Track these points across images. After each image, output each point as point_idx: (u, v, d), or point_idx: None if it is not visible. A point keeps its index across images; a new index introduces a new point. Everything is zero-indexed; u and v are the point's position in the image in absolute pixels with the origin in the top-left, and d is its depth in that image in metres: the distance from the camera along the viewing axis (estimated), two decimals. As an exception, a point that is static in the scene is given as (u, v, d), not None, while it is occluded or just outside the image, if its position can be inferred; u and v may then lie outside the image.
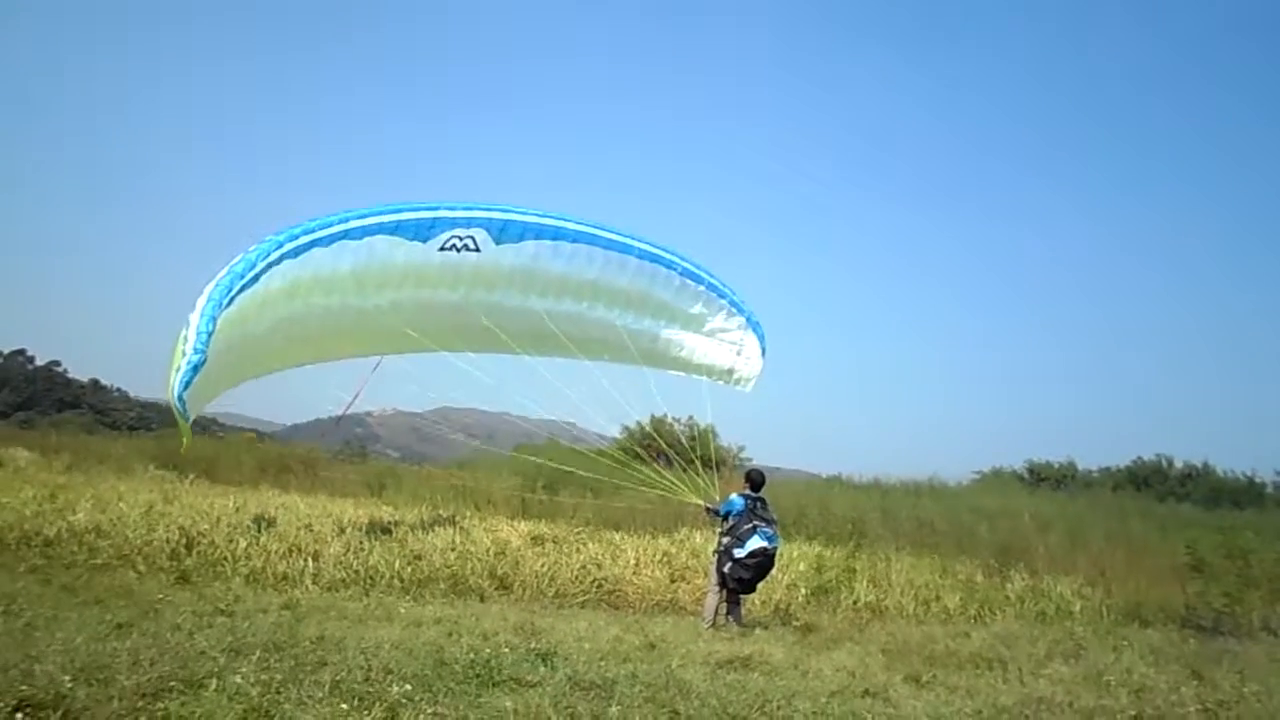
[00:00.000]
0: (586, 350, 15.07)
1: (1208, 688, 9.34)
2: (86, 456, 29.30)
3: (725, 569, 12.61)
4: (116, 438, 47.97)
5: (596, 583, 15.02)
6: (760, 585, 13.29)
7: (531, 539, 17.63)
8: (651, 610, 14.30)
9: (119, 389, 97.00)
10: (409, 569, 14.07)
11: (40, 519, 14.50)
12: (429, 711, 6.55)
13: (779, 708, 7.58)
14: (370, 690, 6.88)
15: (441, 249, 13.58)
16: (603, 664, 8.60)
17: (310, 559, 13.89)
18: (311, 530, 15.63)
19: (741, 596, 13.15)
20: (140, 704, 6.12)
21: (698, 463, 14.45)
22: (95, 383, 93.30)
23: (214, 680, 6.68)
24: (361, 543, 14.97)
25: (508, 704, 6.95)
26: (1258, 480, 38.92)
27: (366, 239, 13.12)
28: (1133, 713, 8.16)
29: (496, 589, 14.23)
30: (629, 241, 14.94)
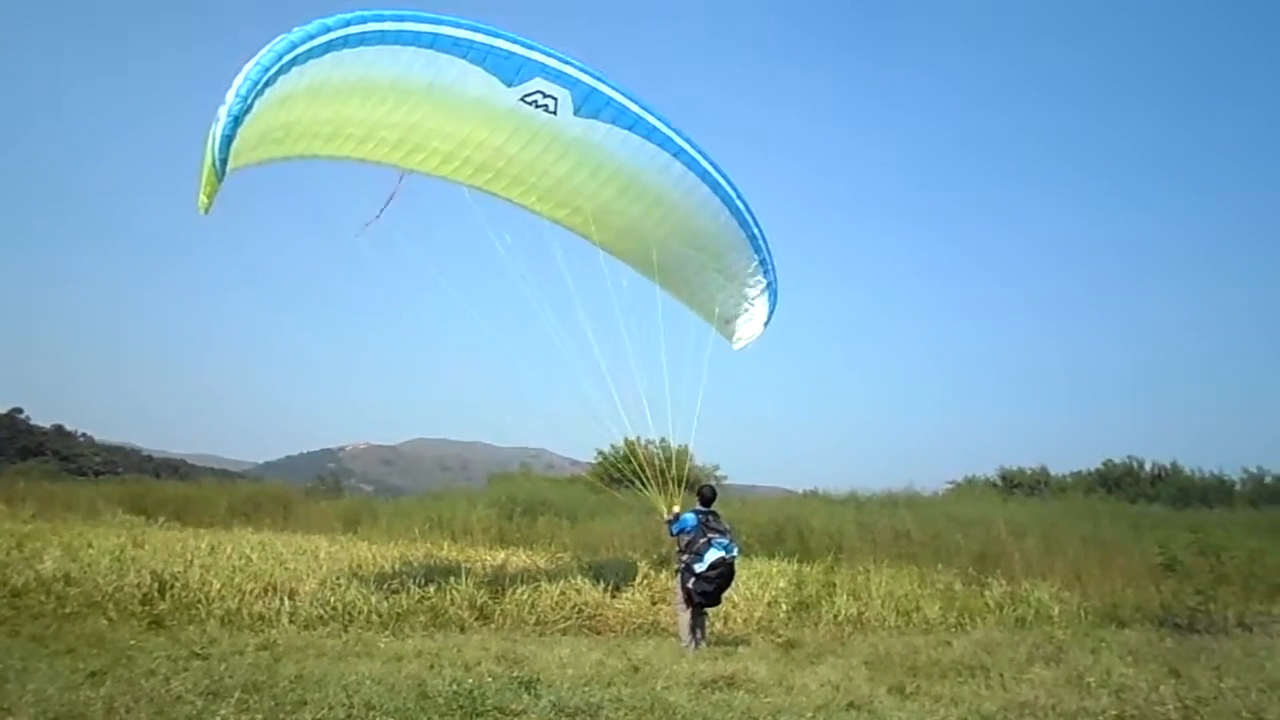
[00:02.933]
0: (605, 238, 14.60)
1: (1186, 685, 9.43)
2: (52, 504, 28.79)
3: (689, 585, 12.69)
4: (83, 484, 47.20)
5: (577, 608, 14.94)
6: (737, 599, 13.38)
7: (510, 568, 17.52)
8: (633, 633, 14.25)
9: (84, 434, 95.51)
10: (387, 603, 13.92)
11: (7, 569, 14.17)
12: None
13: (765, 725, 7.58)
14: (352, 727, 6.80)
15: (522, 99, 12.75)
16: (587, 689, 8.54)
17: (286, 597, 13.69)
18: (287, 568, 15.44)
19: (707, 613, 13.24)
20: (117, 752, 6.01)
21: (672, 484, 14.42)
22: (59, 429, 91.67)
23: (192, 724, 6.58)
24: (338, 579, 14.80)
25: (492, 734, 6.90)
26: (1226, 479, 39.56)
27: (454, 57, 12.14)
28: (1114, 713, 8.23)
29: (477, 619, 14.12)
30: (695, 156, 14.30)
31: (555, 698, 8.02)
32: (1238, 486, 39.13)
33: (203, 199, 10.61)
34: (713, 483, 19.83)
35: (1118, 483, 41.12)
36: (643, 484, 14.48)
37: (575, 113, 13.22)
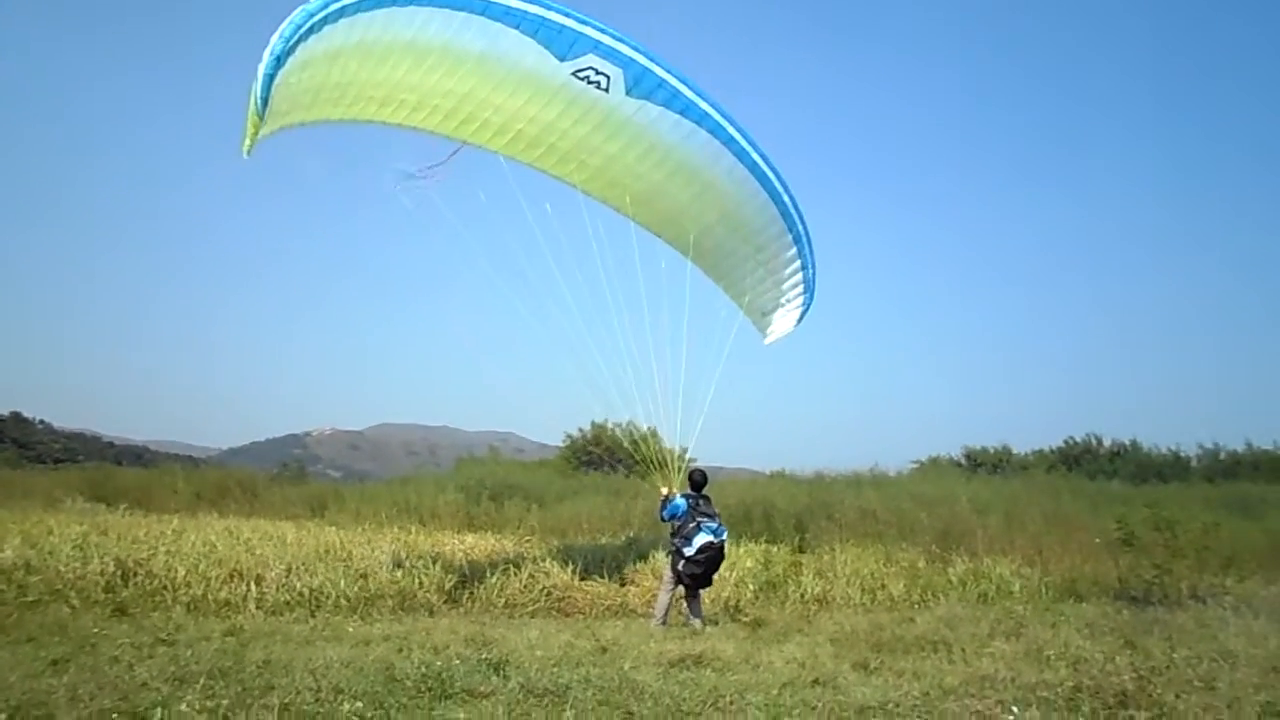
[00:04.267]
0: (648, 219, 14.58)
1: (1141, 656, 9.64)
2: (11, 492, 28.33)
3: (679, 568, 12.96)
4: (42, 471, 46.51)
5: (546, 591, 15.00)
6: (713, 578, 13.62)
7: (479, 551, 17.53)
8: (602, 615, 14.36)
9: (42, 421, 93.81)
10: (355, 587, 13.90)
11: (-35, 559, 13.94)
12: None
13: (731, 702, 7.67)
14: (320, 711, 6.81)
15: (574, 74, 12.64)
16: (555, 670, 8.60)
17: (253, 583, 13.62)
18: (254, 553, 15.34)
19: (700, 595, 13.49)
20: (82, 739, 5.98)
21: (670, 467, 14.46)
22: (17, 416, 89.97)
23: (158, 710, 6.55)
24: (305, 564, 14.73)
25: (461, 716, 6.94)
26: (1182, 455, 40.46)
27: (506, 26, 12.06)
28: (1071, 684, 8.40)
29: (445, 603, 14.15)
30: (745, 146, 14.18)
31: (524, 679, 8.07)
32: (1194, 462, 40.02)
33: (246, 142, 10.64)
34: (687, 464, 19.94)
35: (1078, 460, 41.88)
36: (642, 463, 14.55)
37: (628, 93, 13.10)
